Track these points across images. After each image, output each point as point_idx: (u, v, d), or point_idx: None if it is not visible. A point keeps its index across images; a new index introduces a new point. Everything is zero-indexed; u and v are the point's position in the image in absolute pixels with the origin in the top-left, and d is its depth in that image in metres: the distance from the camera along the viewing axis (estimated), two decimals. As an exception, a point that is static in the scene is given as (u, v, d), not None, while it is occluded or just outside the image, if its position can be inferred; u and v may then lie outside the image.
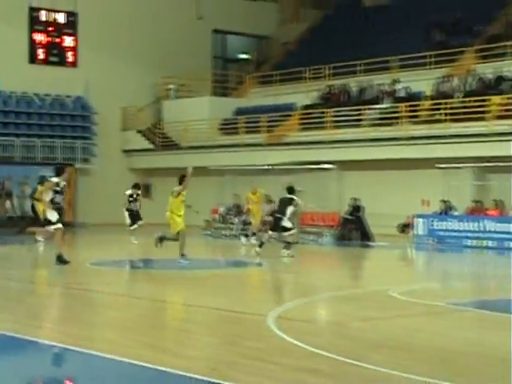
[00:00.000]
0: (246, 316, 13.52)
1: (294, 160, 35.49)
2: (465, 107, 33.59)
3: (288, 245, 24.37)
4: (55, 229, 20.74)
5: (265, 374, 9.04)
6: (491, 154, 30.74)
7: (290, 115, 40.51)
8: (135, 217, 28.91)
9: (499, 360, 10.10)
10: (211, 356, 10.44)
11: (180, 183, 21.85)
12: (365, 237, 31.14)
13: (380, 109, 37.04)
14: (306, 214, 32.24)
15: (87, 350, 10.20)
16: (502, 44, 36.31)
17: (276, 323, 12.17)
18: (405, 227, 31.64)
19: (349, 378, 8.97)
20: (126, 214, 28.88)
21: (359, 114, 36.84)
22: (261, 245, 24.78)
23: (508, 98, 33.03)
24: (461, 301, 15.68)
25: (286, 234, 24.66)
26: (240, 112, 43.39)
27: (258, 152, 38.47)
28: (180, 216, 21.71)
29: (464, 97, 34.67)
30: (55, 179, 20.91)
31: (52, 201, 20.51)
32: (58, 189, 20.82)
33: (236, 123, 41.81)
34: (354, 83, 39.89)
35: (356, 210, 31.69)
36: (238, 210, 33.63)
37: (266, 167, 34.44)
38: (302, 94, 41.17)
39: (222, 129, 42.99)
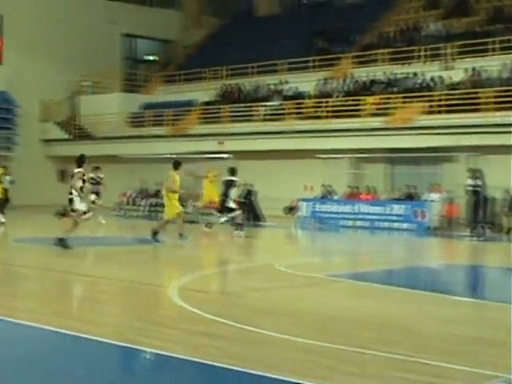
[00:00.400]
0: (151, 287, 13.50)
1: (194, 150, 35.46)
2: (343, 105, 34.05)
3: (238, 225, 24.04)
4: (88, 217, 20.31)
5: (169, 338, 9.05)
6: (365, 146, 31.28)
7: (191, 110, 40.50)
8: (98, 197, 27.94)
9: (371, 324, 10.32)
10: (119, 323, 10.42)
11: (175, 168, 21.14)
12: (256, 218, 31.31)
13: (270, 106, 37.27)
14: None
15: (7, 318, 10.06)
16: (374, 52, 36.90)
17: (178, 293, 12.17)
18: (291, 209, 31.94)
19: (243, 341, 9.04)
20: (93, 195, 27.26)
21: (252, 110, 37.06)
22: (207, 225, 24.39)
23: (380, 98, 33.61)
24: (338, 273, 15.90)
25: (230, 214, 24.21)
26: (147, 107, 43.25)
27: (163, 142, 38.37)
28: (176, 200, 21.01)
29: (342, 96, 35.14)
30: (80, 169, 19.29)
31: (81, 189, 19.12)
32: (85, 178, 19.53)
33: (143, 117, 41.80)
34: (247, 83, 40.12)
35: (249, 194, 31.84)
36: (145, 193, 33.57)
37: (170, 156, 34.31)
38: (201, 92, 41.27)
39: (131, 121, 42.76)
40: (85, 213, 19.56)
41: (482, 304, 12.70)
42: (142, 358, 8.48)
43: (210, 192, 27.58)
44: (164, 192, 21.29)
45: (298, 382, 7.12)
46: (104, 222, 27.60)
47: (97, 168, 28.64)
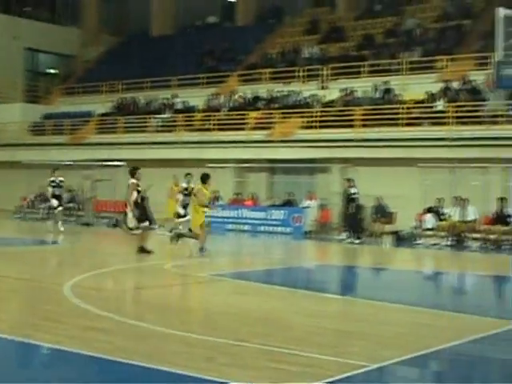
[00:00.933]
0: (47, 285, 13.22)
1: (91, 157, 34.94)
2: (229, 119, 34.19)
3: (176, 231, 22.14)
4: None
5: (60, 333, 8.89)
6: (249, 156, 31.46)
7: (89, 121, 39.92)
8: (60, 201, 26.11)
9: (249, 319, 10.38)
10: (14, 319, 10.16)
11: (203, 182, 19.13)
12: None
13: (162, 118, 37.07)
14: (100, 202, 31.89)
15: None
16: (258, 71, 37.21)
17: (72, 291, 11.97)
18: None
19: (131, 335, 8.96)
20: (53, 200, 25.81)
21: (145, 122, 36.79)
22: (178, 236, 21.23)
23: (262, 113, 33.89)
24: (221, 272, 15.94)
25: (178, 220, 22.75)
26: (48, 117, 42.32)
27: (62, 150, 37.66)
28: (203, 212, 19.27)
29: (228, 111, 35.28)
30: (133, 180, 18.74)
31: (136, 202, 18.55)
32: (138, 189, 18.80)
33: (44, 126, 40.91)
34: (142, 97, 39.80)
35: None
36: (44, 197, 32.88)
37: (69, 163, 33.72)
38: (99, 104, 40.74)
39: (32, 130, 41.83)
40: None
41: (349, 300, 12.93)
42: (34, 352, 8.29)
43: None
44: (193, 204, 19.61)
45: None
46: (62, 229, 25.50)
47: (55, 170, 26.69)
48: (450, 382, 7.65)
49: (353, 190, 25.05)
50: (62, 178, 26.40)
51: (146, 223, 18.95)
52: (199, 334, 8.95)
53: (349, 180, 25.30)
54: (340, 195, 26.16)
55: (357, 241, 24.54)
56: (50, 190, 25.92)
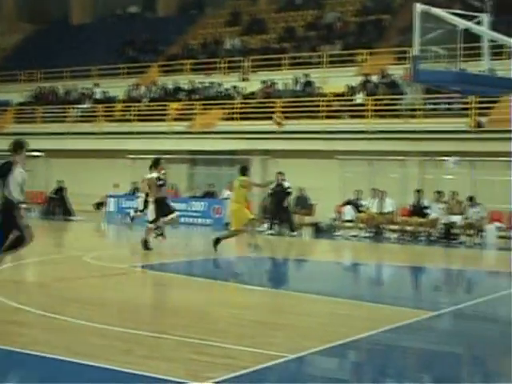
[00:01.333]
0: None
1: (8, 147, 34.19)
2: (149, 110, 33.97)
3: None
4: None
5: (-25, 326, 8.72)
6: (170, 148, 31.26)
7: (6, 110, 39.12)
8: None
9: (169, 310, 10.36)
10: None
11: (243, 174, 18.07)
12: (67, 212, 30.66)
13: (82, 108, 36.58)
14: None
15: None
16: (180, 62, 37.06)
17: (-13, 284, 11.74)
18: (99, 205, 31.52)
19: (50, 329, 8.85)
20: None
21: (64, 112, 36.26)
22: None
23: (183, 105, 33.78)
24: (142, 264, 15.86)
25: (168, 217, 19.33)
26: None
27: (-22, 140, 36.82)
28: (247, 207, 18.51)
29: (149, 102, 35.04)
30: (154, 174, 17.99)
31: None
32: (160, 182, 18.00)
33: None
34: (61, 86, 39.21)
35: (59, 190, 31.20)
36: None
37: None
38: (17, 93, 39.93)
39: None
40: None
41: (270, 292, 13.01)
42: None
43: None
44: (236, 200, 18.18)
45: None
46: None
47: None
48: (367, 371, 7.80)
49: (287, 184, 25.13)
50: None
51: (167, 217, 18.21)
52: (118, 327, 8.88)
53: (281, 173, 25.28)
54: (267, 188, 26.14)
55: (294, 233, 24.62)
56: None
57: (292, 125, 29.30)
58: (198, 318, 9.90)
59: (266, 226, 25.62)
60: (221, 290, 12.78)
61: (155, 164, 18.29)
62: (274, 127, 29.35)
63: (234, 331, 9.06)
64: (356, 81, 30.66)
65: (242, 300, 11.73)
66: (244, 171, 18.14)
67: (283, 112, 30.05)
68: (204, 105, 32.86)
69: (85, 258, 15.93)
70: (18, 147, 12.21)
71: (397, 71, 29.76)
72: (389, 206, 24.40)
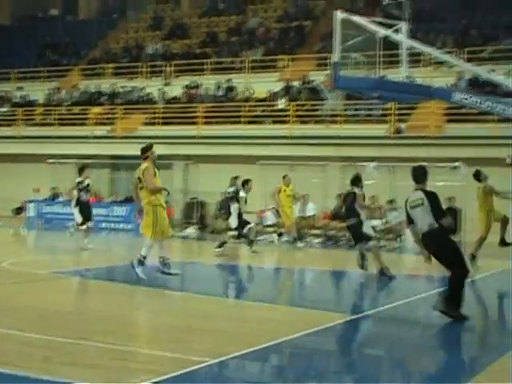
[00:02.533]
0: None
1: None
2: (71, 114, 33.54)
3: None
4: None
5: None
6: (91, 152, 30.91)
7: None
8: None
9: (90, 317, 10.20)
10: None
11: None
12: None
13: (0, 112, 35.86)
14: None
15: None
16: (101, 66, 36.70)
17: None
18: (19, 210, 30.93)
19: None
20: None
21: (-18, 116, 35.53)
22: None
23: (105, 109, 33.46)
24: (62, 270, 15.59)
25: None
26: None
27: None
28: (289, 209, 19.47)
29: (70, 106, 34.59)
30: (78, 178, 18.53)
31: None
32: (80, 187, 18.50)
33: None
34: (-22, 89, 38.39)
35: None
36: None
37: None
38: None
39: None
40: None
41: (192, 297, 12.94)
42: None
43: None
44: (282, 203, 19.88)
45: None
46: None
47: None
48: (288, 374, 7.83)
49: (233, 189, 24.89)
50: None
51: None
52: (37, 334, 8.71)
53: (236, 178, 25.10)
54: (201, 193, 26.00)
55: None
56: None
57: (214, 130, 29.30)
58: (118, 323, 9.78)
59: (188, 231, 25.56)
60: (141, 296, 12.67)
61: (80, 170, 19.15)
62: (196, 132, 29.31)
63: (154, 336, 9.00)
64: (278, 86, 30.87)
65: (163, 305, 11.65)
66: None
67: (205, 117, 30.04)
68: (126, 109, 32.61)
69: (3, 264, 15.58)
70: None
71: (318, 77, 30.07)
72: (311, 210, 24.59)
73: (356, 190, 16.09)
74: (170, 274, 13.71)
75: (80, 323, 9.73)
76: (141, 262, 13.70)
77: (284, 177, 23.23)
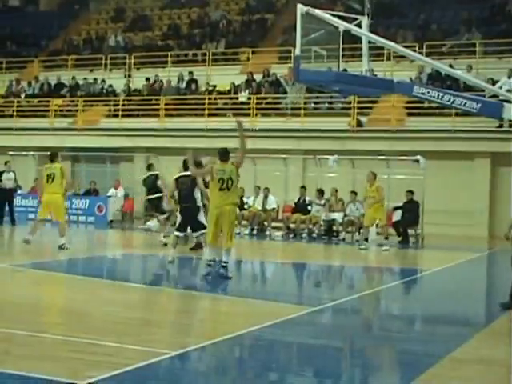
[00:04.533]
0: None
1: None
2: (31, 106, 33.22)
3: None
4: None
5: None
6: (52, 144, 30.51)
7: None
8: None
9: (49, 309, 10.15)
10: None
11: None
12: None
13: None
14: None
15: None
16: (62, 57, 36.38)
17: None
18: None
19: None
20: None
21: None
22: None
23: (66, 101, 33.21)
24: (21, 262, 15.45)
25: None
26: None
27: None
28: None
29: (31, 97, 34.26)
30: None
31: None
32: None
33: None
34: None
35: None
36: None
37: None
38: None
39: None
40: None
41: (151, 290, 12.92)
42: None
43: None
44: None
45: None
46: None
47: None
48: (249, 366, 7.87)
49: None
50: None
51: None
52: (-5, 326, 8.64)
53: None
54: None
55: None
56: None
57: (176, 122, 29.23)
58: (77, 316, 9.74)
59: (150, 223, 25.45)
60: (101, 288, 12.60)
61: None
62: (158, 124, 29.22)
63: (114, 329, 8.97)
64: (240, 79, 30.86)
65: (123, 297, 11.61)
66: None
67: (167, 109, 29.94)
68: (87, 101, 32.39)
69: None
70: None
71: (280, 70, 30.12)
72: (272, 203, 24.64)
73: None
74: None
75: (39, 316, 9.68)
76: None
77: None
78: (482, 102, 12.98)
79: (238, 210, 13.96)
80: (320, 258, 19.84)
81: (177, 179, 16.38)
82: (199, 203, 16.27)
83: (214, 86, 31.28)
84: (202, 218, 16.33)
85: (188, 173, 15.77)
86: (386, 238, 20.69)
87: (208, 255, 13.99)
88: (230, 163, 13.53)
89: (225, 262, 13.25)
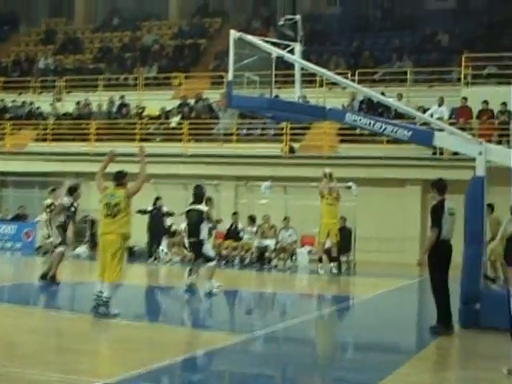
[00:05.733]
0: None
1: None
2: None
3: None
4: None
5: None
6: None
7: None
8: None
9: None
10: None
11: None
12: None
13: None
14: None
15: None
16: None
17: None
18: None
19: None
20: None
21: None
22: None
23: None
24: None
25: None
26: None
27: None
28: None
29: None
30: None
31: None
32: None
33: None
34: None
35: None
36: None
37: None
38: None
39: None
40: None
41: (77, 318, 12.64)
42: None
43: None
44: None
45: None
46: None
47: None
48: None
49: (165, 208, 24.47)
50: None
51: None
52: None
53: (158, 198, 24.70)
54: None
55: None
56: None
57: (106, 147, 28.92)
58: (1, 344, 9.51)
59: (79, 249, 25.14)
60: (26, 316, 12.34)
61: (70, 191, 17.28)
62: (89, 149, 28.93)
63: (40, 357, 8.78)
64: (172, 104, 30.82)
65: (49, 326, 11.41)
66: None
67: (97, 134, 29.68)
68: (15, 124, 31.90)
69: None
70: None
71: (213, 95, 30.17)
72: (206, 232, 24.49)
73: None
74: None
75: None
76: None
77: None
78: (413, 129, 13.27)
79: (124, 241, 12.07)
80: (251, 285, 19.82)
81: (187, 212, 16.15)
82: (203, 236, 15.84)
83: (143, 109, 31.10)
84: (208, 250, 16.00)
85: (198, 206, 15.76)
86: (320, 261, 20.74)
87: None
88: (124, 189, 12.43)
89: (106, 298, 11.90)
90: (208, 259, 15.80)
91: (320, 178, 21.45)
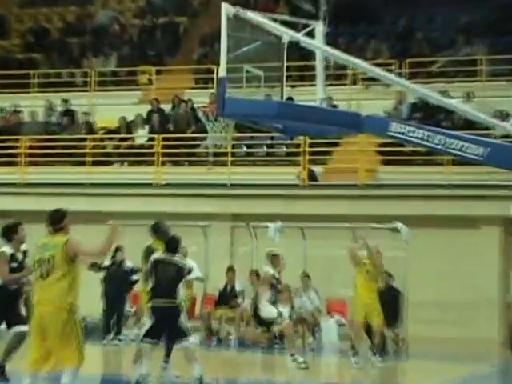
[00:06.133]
0: None
1: None
2: None
3: None
4: None
5: None
6: None
7: None
8: None
9: None
10: None
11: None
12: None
13: None
14: None
15: None
16: None
17: None
18: None
19: None
20: None
21: None
22: None
23: None
24: None
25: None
26: None
27: None
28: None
29: None
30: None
31: None
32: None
33: None
34: None
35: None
36: None
37: None
38: None
39: None
40: None
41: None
42: None
43: None
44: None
45: None
46: None
47: None
48: None
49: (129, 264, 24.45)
50: None
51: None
52: None
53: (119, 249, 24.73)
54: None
55: None
56: None
57: (43, 174, 28.90)
58: None
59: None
60: None
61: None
62: (17, 177, 28.93)
63: None
64: (138, 110, 30.68)
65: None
66: None
67: (30, 155, 29.52)
68: None
69: None
70: None
71: (197, 98, 29.90)
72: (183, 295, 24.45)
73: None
74: None
75: None
76: None
77: None
78: (492, 145, 13.13)
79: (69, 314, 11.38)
80: (255, 375, 19.62)
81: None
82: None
83: (95, 119, 31.17)
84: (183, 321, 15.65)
85: (174, 258, 15.52)
86: (353, 349, 20.09)
87: None
88: (63, 236, 11.62)
89: None
90: (184, 334, 15.40)
91: (352, 217, 21.37)
